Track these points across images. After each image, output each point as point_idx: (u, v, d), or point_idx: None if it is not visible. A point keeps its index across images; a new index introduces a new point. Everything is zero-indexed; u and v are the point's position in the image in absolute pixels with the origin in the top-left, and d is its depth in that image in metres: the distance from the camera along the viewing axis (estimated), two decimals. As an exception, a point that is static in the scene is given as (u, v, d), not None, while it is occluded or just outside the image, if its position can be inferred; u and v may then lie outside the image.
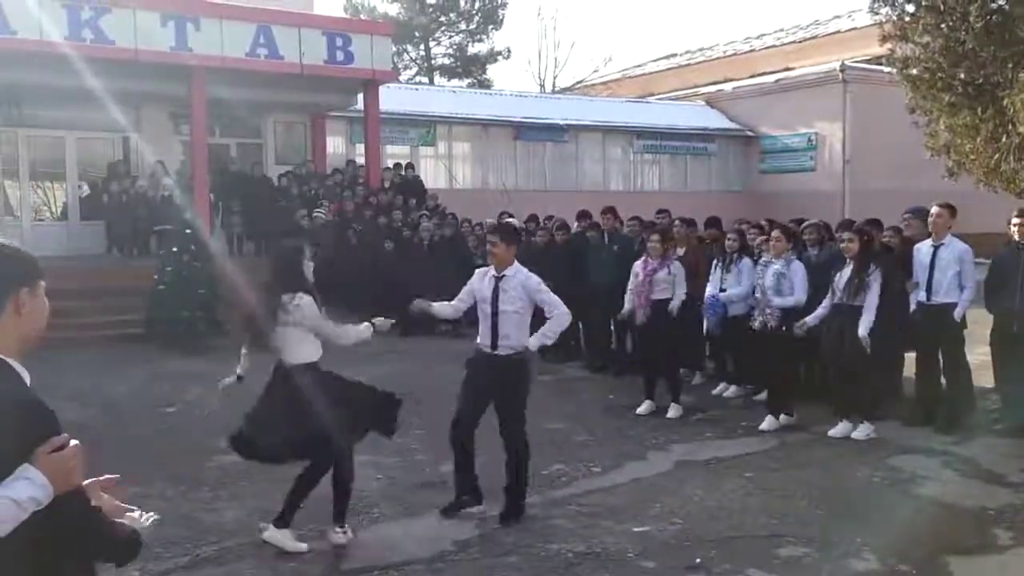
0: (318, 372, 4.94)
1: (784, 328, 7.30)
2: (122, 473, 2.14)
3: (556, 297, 5.47)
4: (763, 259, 7.73)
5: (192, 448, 6.87)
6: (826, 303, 7.16)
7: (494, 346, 5.34)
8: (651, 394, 8.20)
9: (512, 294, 5.31)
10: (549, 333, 5.50)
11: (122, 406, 8.48)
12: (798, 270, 7.41)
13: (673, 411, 8.05)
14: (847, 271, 7.03)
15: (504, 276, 5.35)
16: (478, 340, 5.47)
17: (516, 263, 5.43)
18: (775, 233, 7.63)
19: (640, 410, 8.11)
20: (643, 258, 8.28)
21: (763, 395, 8.04)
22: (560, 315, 5.42)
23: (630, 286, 8.26)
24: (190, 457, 6.65)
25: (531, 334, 5.44)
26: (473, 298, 5.51)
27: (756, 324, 7.58)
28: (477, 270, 5.68)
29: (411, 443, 7.21)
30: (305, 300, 4.85)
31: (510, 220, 8.77)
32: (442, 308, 5.75)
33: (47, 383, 9.36)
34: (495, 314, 5.32)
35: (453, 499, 5.53)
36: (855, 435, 7.05)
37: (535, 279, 5.43)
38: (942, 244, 7.29)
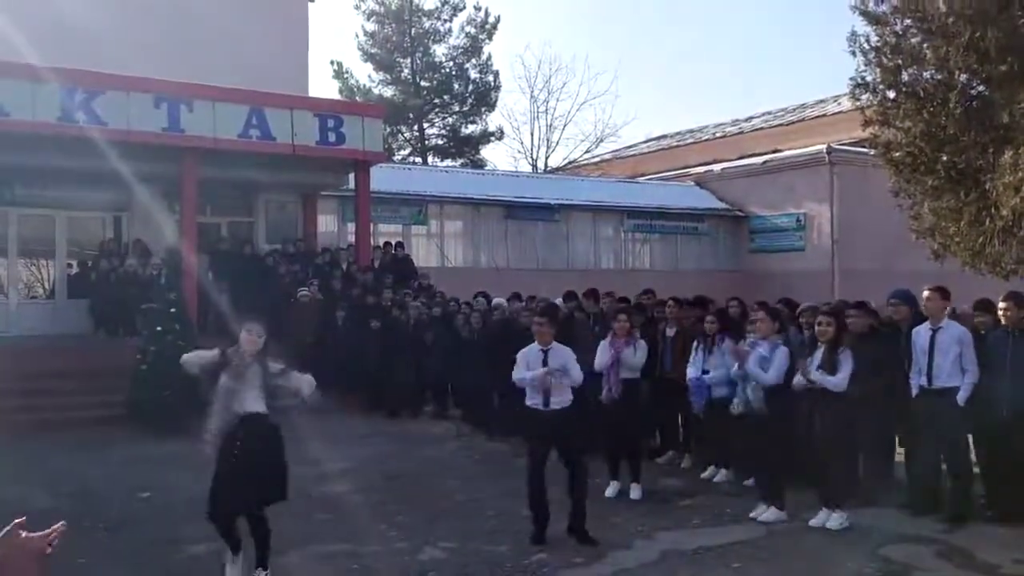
0: None
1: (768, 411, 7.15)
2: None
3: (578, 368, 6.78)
4: (749, 340, 7.56)
5: (163, 538, 6.67)
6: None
7: (546, 404, 6.59)
8: (616, 474, 8.13)
9: (556, 362, 6.61)
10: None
11: (96, 492, 8.19)
12: (780, 354, 7.21)
13: (635, 492, 8.04)
14: (819, 354, 6.93)
15: (550, 348, 6.71)
16: (529, 402, 6.67)
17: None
18: (760, 314, 7.48)
19: (608, 492, 7.98)
20: (609, 337, 8.21)
21: (752, 480, 7.89)
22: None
23: (597, 365, 8.09)
24: (160, 548, 6.45)
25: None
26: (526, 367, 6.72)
27: (738, 409, 7.46)
28: (523, 349, 6.83)
29: (390, 529, 7.03)
30: None
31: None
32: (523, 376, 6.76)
33: (24, 468, 9.09)
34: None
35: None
36: (829, 525, 6.82)
37: (568, 350, 6.78)
38: (940, 327, 7.15)
